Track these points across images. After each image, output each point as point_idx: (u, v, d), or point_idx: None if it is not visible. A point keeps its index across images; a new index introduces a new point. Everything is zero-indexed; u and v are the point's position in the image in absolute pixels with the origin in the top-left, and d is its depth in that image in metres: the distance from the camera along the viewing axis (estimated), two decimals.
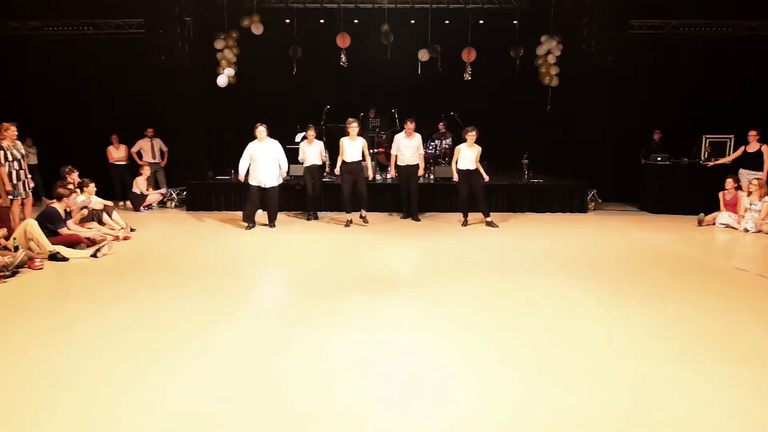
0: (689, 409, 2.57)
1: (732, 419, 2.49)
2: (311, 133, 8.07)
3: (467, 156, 7.50)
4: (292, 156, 8.24)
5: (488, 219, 7.68)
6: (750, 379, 2.89)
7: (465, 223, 7.72)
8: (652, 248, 6.45)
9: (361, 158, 7.57)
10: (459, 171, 7.57)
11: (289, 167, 7.87)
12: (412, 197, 8.13)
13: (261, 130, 7.30)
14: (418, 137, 8.08)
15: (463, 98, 10.56)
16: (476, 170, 7.55)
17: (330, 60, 10.42)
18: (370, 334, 3.52)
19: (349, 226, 7.55)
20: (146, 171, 9.39)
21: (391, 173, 8.66)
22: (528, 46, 10.33)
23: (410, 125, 7.95)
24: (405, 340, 3.42)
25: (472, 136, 7.48)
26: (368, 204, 7.93)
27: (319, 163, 8.18)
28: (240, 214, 7.93)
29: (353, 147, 7.50)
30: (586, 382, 2.84)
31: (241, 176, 7.42)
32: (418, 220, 8.10)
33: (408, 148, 8.01)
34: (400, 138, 8.05)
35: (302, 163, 8.15)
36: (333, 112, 9.58)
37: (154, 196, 9.39)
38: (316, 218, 8.22)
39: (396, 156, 8.13)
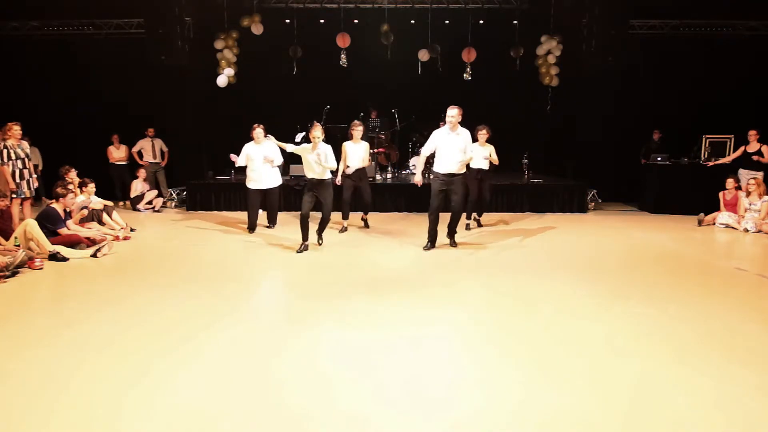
0: (689, 409, 2.57)
1: (732, 419, 2.49)
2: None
3: (479, 155, 7.16)
4: (294, 156, 8.05)
5: (468, 222, 7.48)
6: (750, 379, 2.89)
7: (478, 224, 7.54)
8: (652, 248, 6.45)
9: (364, 163, 7.20)
10: (470, 170, 7.13)
11: (289, 167, 7.73)
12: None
13: (259, 132, 7.06)
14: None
15: (463, 98, 10.48)
16: (488, 171, 7.30)
17: (330, 60, 10.42)
18: (370, 334, 3.52)
19: (343, 232, 7.19)
20: (142, 173, 9.46)
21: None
22: (528, 46, 10.32)
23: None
24: (405, 340, 3.42)
25: (482, 135, 7.19)
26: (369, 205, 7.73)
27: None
28: (242, 215, 7.89)
29: (357, 151, 7.18)
30: (586, 382, 2.84)
31: (235, 159, 7.14)
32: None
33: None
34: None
35: (337, 171, 6.79)
36: (333, 112, 9.57)
37: (152, 195, 9.38)
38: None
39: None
